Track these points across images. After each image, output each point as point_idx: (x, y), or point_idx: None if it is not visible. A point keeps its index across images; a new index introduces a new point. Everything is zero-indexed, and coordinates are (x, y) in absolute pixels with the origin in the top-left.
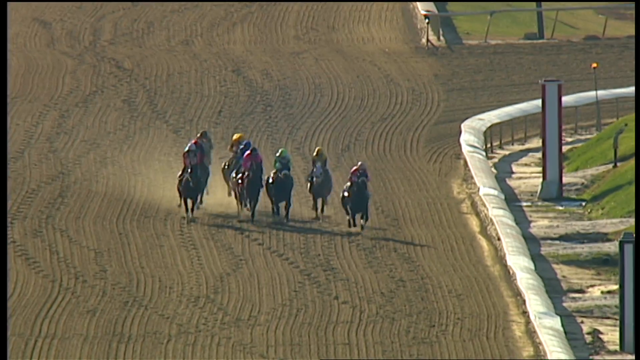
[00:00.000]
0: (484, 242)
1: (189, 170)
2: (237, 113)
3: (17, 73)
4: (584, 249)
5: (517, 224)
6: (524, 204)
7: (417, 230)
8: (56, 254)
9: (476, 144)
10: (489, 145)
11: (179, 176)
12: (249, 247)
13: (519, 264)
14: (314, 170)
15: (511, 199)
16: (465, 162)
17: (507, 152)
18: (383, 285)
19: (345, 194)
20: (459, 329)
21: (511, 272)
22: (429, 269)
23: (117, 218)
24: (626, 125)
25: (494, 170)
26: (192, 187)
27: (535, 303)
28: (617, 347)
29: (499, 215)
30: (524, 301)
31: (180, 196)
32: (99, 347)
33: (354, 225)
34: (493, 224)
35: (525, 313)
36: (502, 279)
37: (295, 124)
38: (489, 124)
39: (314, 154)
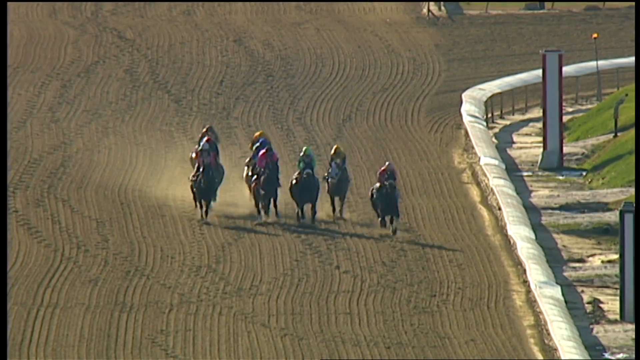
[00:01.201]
0: (484, 212)
1: (202, 170)
2: (239, 83)
3: (19, 43)
4: (584, 219)
5: (517, 193)
6: (525, 173)
7: (418, 199)
8: (58, 223)
9: (477, 114)
10: (489, 115)
11: (193, 176)
12: (251, 219)
13: (520, 233)
14: (330, 169)
15: (512, 169)
16: (466, 132)
17: (507, 122)
18: (384, 255)
19: (374, 195)
20: (459, 299)
21: (512, 241)
22: (430, 239)
23: (118, 188)
24: (627, 95)
25: (495, 140)
26: (204, 187)
27: (536, 272)
28: (617, 317)
29: (499, 185)
30: (525, 270)
31: (195, 198)
32: (100, 316)
33: (384, 226)
34: (494, 193)
35: (525, 282)
36: (503, 248)
37: (297, 94)
38: (489, 94)
39: (332, 151)
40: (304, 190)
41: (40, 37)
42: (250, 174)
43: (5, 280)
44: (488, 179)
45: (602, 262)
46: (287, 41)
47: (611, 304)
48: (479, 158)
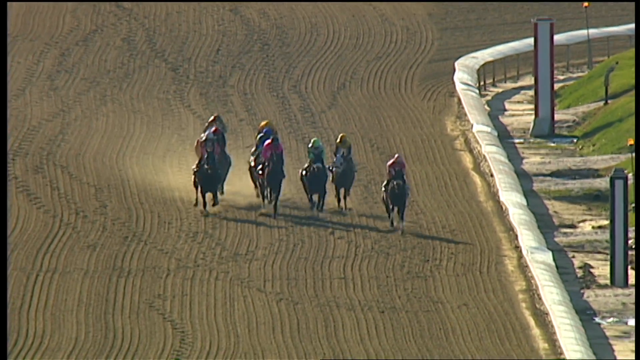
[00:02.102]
0: (477, 179)
1: (206, 160)
2: (235, 52)
3: (18, 12)
4: (575, 185)
5: (509, 160)
6: (517, 140)
7: (411, 166)
8: (57, 189)
9: (470, 82)
10: (482, 83)
11: (195, 168)
12: (247, 185)
13: (512, 199)
14: (335, 159)
15: (504, 136)
16: (459, 99)
17: (500, 90)
18: (378, 221)
19: (383, 189)
20: (452, 264)
21: (504, 207)
22: (423, 205)
23: (116, 155)
24: (617, 63)
25: (487, 108)
26: (210, 178)
27: (528, 238)
28: (608, 281)
29: (492, 152)
30: (517, 236)
31: (197, 190)
32: (99, 281)
33: (392, 225)
34: (486, 160)
35: (517, 248)
36: (495, 214)
37: (292, 63)
38: (482, 62)
39: (337, 140)
40: (314, 182)
41: (38, 6)
42: (253, 164)
43: (5, 245)
44: (480, 146)
45: (593, 227)
46: (282, 10)
47: (601, 269)
48: (472, 125)
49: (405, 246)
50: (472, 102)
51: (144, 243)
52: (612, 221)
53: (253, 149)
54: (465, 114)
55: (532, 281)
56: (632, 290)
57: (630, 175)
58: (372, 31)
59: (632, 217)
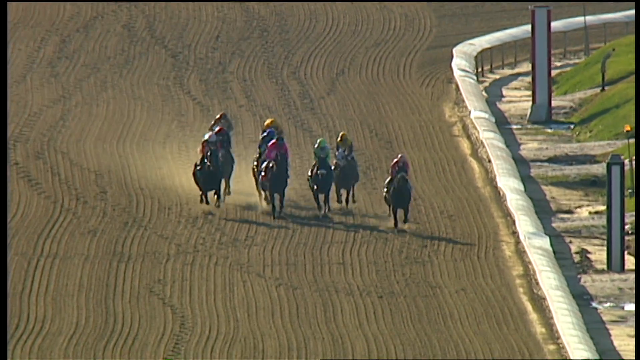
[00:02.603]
0: (475, 164)
1: (208, 158)
2: (234, 38)
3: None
4: (572, 171)
5: (507, 146)
6: (514, 126)
7: (409, 152)
8: (58, 175)
9: (467, 69)
10: (479, 69)
11: (196, 167)
12: (246, 170)
13: (509, 185)
14: (337, 157)
15: (501, 122)
16: (457, 86)
17: (497, 76)
18: (377, 207)
19: (385, 189)
20: (450, 249)
21: (501, 193)
22: (421, 191)
23: (117, 141)
24: (614, 49)
25: (485, 94)
26: (211, 177)
27: (525, 223)
28: (604, 266)
29: (489, 138)
30: (514, 221)
31: (200, 189)
32: (99, 266)
33: (396, 225)
34: (484, 146)
35: (515, 233)
36: (493, 200)
37: (291, 49)
38: (480, 49)
39: (338, 139)
40: (319, 187)
41: None
42: (256, 163)
43: (6, 231)
44: (478, 132)
45: (590, 213)
46: None
47: (598, 254)
48: (470, 111)
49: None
50: (469, 89)
51: (144, 228)
52: (609, 207)
53: (256, 155)
54: (463, 101)
55: (530, 266)
56: (629, 276)
57: (626, 161)
58: (370, 18)
59: (628, 202)
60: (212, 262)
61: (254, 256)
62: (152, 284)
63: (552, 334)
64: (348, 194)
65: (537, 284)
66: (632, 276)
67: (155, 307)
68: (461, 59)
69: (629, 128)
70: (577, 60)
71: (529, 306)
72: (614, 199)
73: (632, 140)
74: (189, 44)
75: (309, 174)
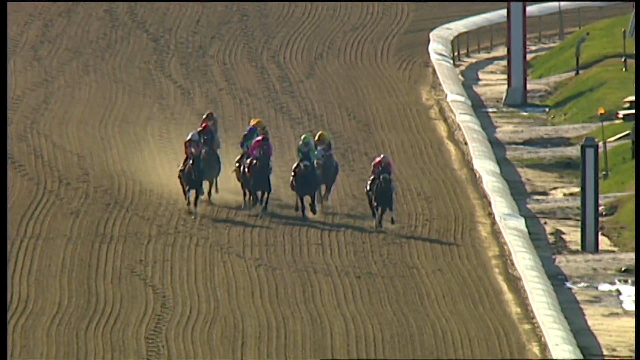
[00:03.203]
0: (451, 147)
1: (191, 160)
2: (215, 22)
3: None
4: (547, 153)
5: (483, 129)
6: (490, 109)
7: (387, 135)
8: (41, 158)
9: (444, 53)
10: (456, 53)
11: (181, 167)
12: (226, 152)
13: (485, 167)
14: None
15: (477, 105)
16: (434, 69)
17: (473, 60)
18: (355, 188)
19: (368, 188)
20: (427, 230)
21: (477, 175)
22: (398, 172)
23: (99, 123)
24: (588, 34)
25: (461, 78)
26: (193, 177)
27: (501, 205)
28: (579, 247)
29: (465, 121)
30: (490, 203)
31: (183, 188)
32: (82, 247)
33: (380, 225)
34: (460, 129)
35: (490, 214)
36: (469, 182)
37: (271, 33)
38: (456, 33)
39: (316, 138)
40: (302, 183)
41: None
42: (238, 164)
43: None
44: (455, 115)
45: (564, 194)
46: None
47: (572, 235)
48: (446, 95)
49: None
50: (446, 72)
51: (125, 210)
52: (583, 188)
53: (238, 157)
54: (440, 84)
55: (505, 247)
56: (603, 256)
57: (600, 144)
58: (348, 2)
59: (602, 184)
60: (193, 243)
61: (234, 237)
62: (133, 265)
63: (527, 314)
64: (328, 191)
65: (513, 264)
66: (606, 257)
67: (137, 287)
68: (438, 43)
69: (602, 111)
70: (552, 45)
71: (504, 286)
72: (588, 180)
73: (606, 123)
74: (170, 28)
75: (292, 173)
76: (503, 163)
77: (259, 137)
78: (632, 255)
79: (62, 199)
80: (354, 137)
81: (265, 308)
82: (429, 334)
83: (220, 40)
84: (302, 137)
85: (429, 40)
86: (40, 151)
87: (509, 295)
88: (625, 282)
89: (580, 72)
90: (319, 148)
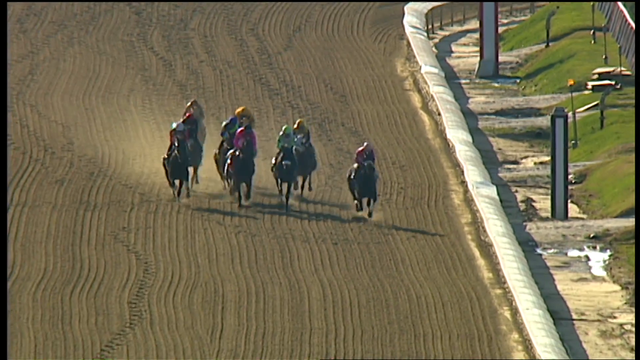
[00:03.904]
0: (425, 117)
1: (176, 147)
2: None
3: None
4: (518, 123)
5: (456, 100)
6: (463, 81)
7: (363, 106)
8: (26, 127)
9: (418, 25)
10: (430, 26)
11: (166, 155)
12: (207, 123)
13: (458, 137)
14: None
15: (451, 77)
16: (408, 42)
17: (447, 33)
18: (332, 157)
19: (352, 176)
20: (402, 198)
21: (451, 144)
22: (374, 142)
23: (83, 94)
24: (558, 7)
25: (435, 50)
26: (178, 166)
27: (473, 173)
28: (549, 214)
29: (439, 92)
30: (463, 171)
31: (168, 177)
32: (66, 214)
33: (361, 209)
34: (434, 100)
35: (463, 183)
36: (442, 151)
37: (250, 7)
38: (430, 7)
39: (295, 126)
40: (282, 173)
41: None
42: (218, 151)
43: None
44: (428, 86)
45: (535, 163)
46: None
47: (543, 203)
48: (420, 67)
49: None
50: (420, 45)
51: (109, 178)
52: (553, 157)
53: (218, 145)
54: (414, 56)
55: (477, 214)
56: (572, 223)
57: (569, 114)
58: None
59: (572, 153)
60: (175, 211)
61: (215, 205)
62: (116, 232)
63: (499, 279)
64: (304, 181)
65: (485, 231)
66: (575, 224)
67: (120, 253)
68: (412, 16)
69: (572, 82)
70: (522, 18)
71: (476, 252)
72: (558, 150)
73: (576, 94)
74: (152, 1)
75: (273, 162)
76: (475, 133)
77: (242, 128)
78: (601, 222)
79: (47, 168)
80: (330, 108)
81: (245, 274)
82: (404, 299)
83: (200, 13)
84: (284, 128)
85: (403, 14)
86: (25, 121)
87: (481, 261)
88: (594, 248)
89: (550, 44)
90: (297, 136)
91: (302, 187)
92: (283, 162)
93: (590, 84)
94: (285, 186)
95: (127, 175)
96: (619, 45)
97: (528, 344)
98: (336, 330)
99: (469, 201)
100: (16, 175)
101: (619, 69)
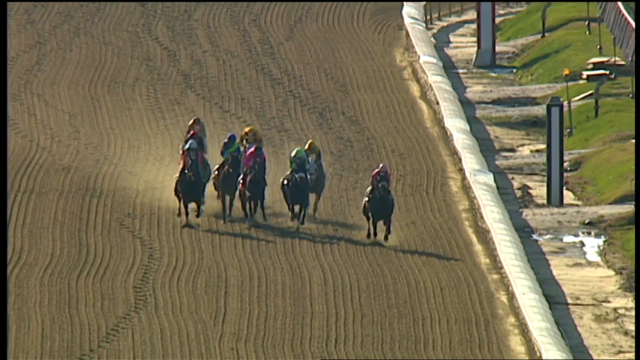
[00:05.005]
0: (424, 106)
1: (189, 168)
2: None
3: None
4: (514, 112)
5: (454, 89)
6: (461, 70)
7: (363, 95)
8: (34, 116)
9: (417, 16)
10: (428, 17)
11: (177, 176)
12: (210, 111)
13: (456, 125)
14: (308, 165)
15: (449, 67)
16: (407, 32)
17: (445, 24)
18: (333, 146)
19: (366, 199)
20: (401, 185)
21: (449, 133)
22: (374, 131)
23: (89, 83)
24: None
25: (433, 40)
26: (192, 187)
27: (471, 161)
28: (545, 201)
29: (437, 81)
30: (460, 159)
31: (179, 199)
32: (73, 201)
33: (375, 235)
34: (432, 89)
35: (461, 170)
36: (441, 139)
37: None
38: None
39: (306, 147)
40: (295, 193)
41: None
42: (217, 172)
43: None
44: (427, 76)
45: (531, 151)
46: None
47: (539, 190)
48: (419, 56)
49: (357, 168)
50: (419, 35)
51: (114, 166)
52: (549, 145)
53: (217, 166)
54: (413, 46)
55: (475, 201)
56: (567, 210)
57: (565, 103)
58: None
59: (567, 141)
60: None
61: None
62: (122, 218)
63: (496, 264)
64: (318, 199)
65: (482, 217)
66: (571, 210)
67: (125, 239)
68: (411, 7)
69: (567, 72)
70: (519, 9)
71: (474, 238)
72: (554, 138)
73: (571, 83)
74: None
75: (284, 182)
76: (473, 121)
77: (252, 148)
78: (595, 209)
79: (54, 156)
80: (331, 97)
81: (247, 259)
82: (403, 284)
83: (204, 4)
84: (296, 150)
85: (402, 5)
86: (33, 110)
87: (478, 247)
88: (589, 234)
89: (546, 34)
90: (310, 159)
91: (316, 205)
92: (296, 175)
93: (585, 73)
94: (297, 207)
95: (132, 162)
96: (613, 36)
97: (524, 327)
98: (337, 314)
99: (466, 188)
100: (24, 162)
101: (613, 59)
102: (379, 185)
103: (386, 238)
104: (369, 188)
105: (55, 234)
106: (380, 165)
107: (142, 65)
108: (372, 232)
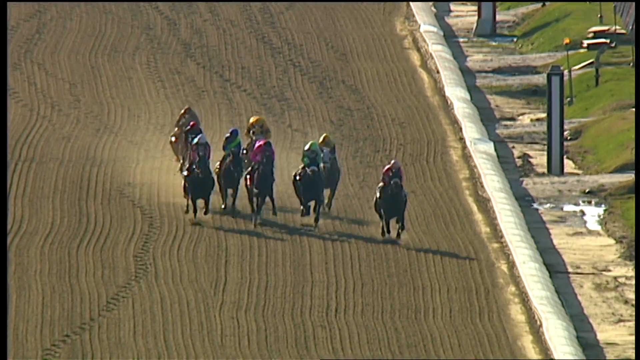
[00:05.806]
0: (424, 75)
1: (197, 164)
2: None
3: None
4: (515, 81)
5: (454, 58)
6: (461, 39)
7: (363, 64)
8: (34, 85)
9: None
10: None
11: (186, 172)
12: (210, 80)
13: (456, 94)
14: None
15: (449, 35)
16: (408, 1)
17: None
18: (333, 115)
19: (377, 196)
20: (401, 154)
21: (449, 102)
22: (374, 99)
23: (89, 52)
24: None
25: (434, 9)
26: (201, 184)
27: (471, 130)
28: (545, 170)
29: (438, 50)
30: (461, 128)
31: (188, 196)
32: (73, 169)
33: (388, 232)
34: (433, 58)
35: (461, 139)
36: (441, 108)
37: None
38: None
39: (320, 140)
40: (308, 188)
41: None
42: (219, 167)
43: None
44: (427, 45)
45: (531, 120)
46: None
47: (539, 159)
48: (419, 25)
49: (357, 137)
50: (419, 4)
51: (115, 135)
52: (549, 114)
53: (220, 160)
54: (413, 15)
55: (475, 170)
56: (568, 179)
57: (565, 72)
58: None
59: (567, 110)
60: (179, 166)
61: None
62: (122, 187)
63: (496, 233)
64: (332, 195)
65: (482, 186)
66: (571, 179)
67: (126, 208)
68: None
69: (567, 41)
70: None
71: (474, 207)
72: (554, 107)
73: (571, 52)
74: None
75: (295, 177)
76: (473, 90)
77: (261, 142)
78: (596, 177)
79: (54, 125)
80: (331, 66)
81: (248, 228)
82: (403, 253)
83: None
84: (310, 143)
85: None
86: (33, 79)
87: (478, 216)
88: (589, 203)
89: (547, 3)
90: (324, 151)
91: (330, 201)
92: (309, 169)
93: (585, 42)
94: (312, 203)
95: (132, 131)
96: (614, 5)
97: (524, 296)
98: (337, 283)
99: (466, 157)
100: (24, 131)
101: (613, 28)
102: (392, 182)
103: (399, 235)
104: (380, 184)
105: (56, 203)
106: (392, 161)
107: (142, 34)
108: (385, 229)
